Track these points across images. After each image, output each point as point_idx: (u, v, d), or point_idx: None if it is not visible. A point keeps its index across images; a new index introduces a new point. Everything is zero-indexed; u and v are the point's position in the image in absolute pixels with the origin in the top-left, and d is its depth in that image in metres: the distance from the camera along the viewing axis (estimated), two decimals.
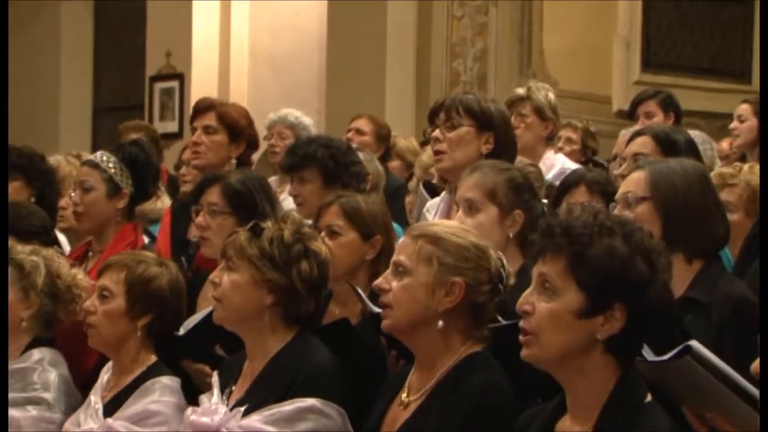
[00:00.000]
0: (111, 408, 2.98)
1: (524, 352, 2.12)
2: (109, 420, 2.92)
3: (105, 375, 3.10)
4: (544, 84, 5.08)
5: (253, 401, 2.68)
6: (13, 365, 3.16)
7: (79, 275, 3.32)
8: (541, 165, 4.48)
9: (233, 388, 2.78)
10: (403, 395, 2.52)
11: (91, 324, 3.05)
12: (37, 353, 3.19)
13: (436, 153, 3.36)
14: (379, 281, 2.54)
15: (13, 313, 3.19)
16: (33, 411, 3.08)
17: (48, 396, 3.11)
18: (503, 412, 2.37)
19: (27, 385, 3.12)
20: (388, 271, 2.54)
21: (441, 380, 2.46)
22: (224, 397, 2.75)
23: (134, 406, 2.94)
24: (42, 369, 3.15)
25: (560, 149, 5.55)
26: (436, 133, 3.36)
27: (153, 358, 3.07)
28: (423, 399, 2.47)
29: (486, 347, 2.51)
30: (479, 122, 3.31)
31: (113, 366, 3.09)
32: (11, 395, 3.10)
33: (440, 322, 2.47)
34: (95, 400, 3.01)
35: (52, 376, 3.15)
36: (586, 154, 5.80)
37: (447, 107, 3.34)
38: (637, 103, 5.43)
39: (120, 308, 3.03)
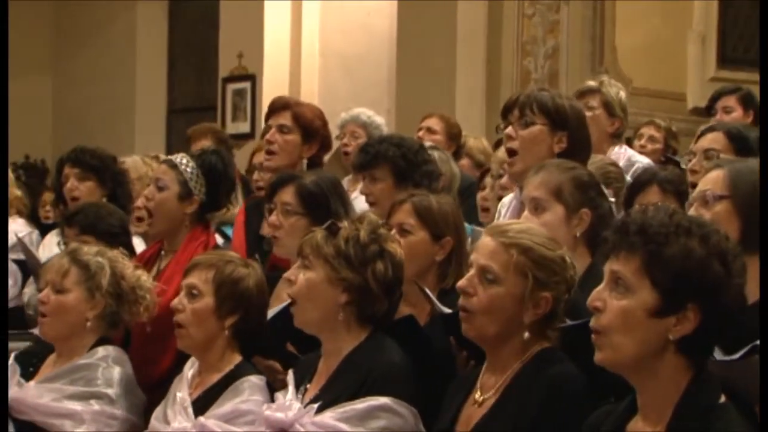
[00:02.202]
0: (199, 406, 3.01)
1: (598, 356, 2.10)
2: (202, 419, 2.95)
3: (189, 371, 3.13)
4: (617, 82, 5.02)
5: (326, 399, 2.71)
6: (78, 361, 3.23)
7: (143, 277, 3.37)
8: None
9: (308, 385, 2.81)
10: (477, 395, 2.51)
11: (180, 323, 3.08)
12: (102, 350, 3.25)
13: (509, 151, 3.32)
14: (463, 284, 2.52)
15: (79, 313, 3.25)
16: (95, 405, 3.14)
17: (110, 392, 3.16)
18: (579, 402, 2.36)
19: (90, 380, 3.18)
20: (472, 273, 2.52)
21: (515, 377, 2.47)
22: (299, 395, 2.78)
23: (225, 405, 2.96)
24: (106, 365, 3.21)
25: (642, 147, 5.49)
26: (509, 130, 3.31)
27: (238, 358, 3.10)
28: (498, 396, 2.47)
29: (555, 345, 2.51)
30: (553, 121, 3.26)
31: (200, 363, 3.13)
32: (75, 389, 3.16)
33: (526, 334, 2.48)
34: (182, 397, 3.04)
35: (116, 373, 3.20)
36: (666, 154, 5.71)
37: (521, 104, 3.29)
38: (716, 97, 5.34)
39: (209, 307, 3.06)
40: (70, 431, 3.10)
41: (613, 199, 3.09)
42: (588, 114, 4.43)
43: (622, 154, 4.74)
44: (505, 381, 2.47)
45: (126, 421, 3.16)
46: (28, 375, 3.27)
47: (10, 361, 3.32)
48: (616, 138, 4.77)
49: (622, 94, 4.76)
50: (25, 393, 3.17)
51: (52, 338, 3.31)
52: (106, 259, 3.31)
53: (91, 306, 3.26)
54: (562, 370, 2.42)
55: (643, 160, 4.80)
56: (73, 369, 3.21)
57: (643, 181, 3.76)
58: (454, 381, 2.67)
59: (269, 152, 4.04)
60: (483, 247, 2.53)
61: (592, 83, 4.75)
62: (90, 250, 3.34)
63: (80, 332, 3.26)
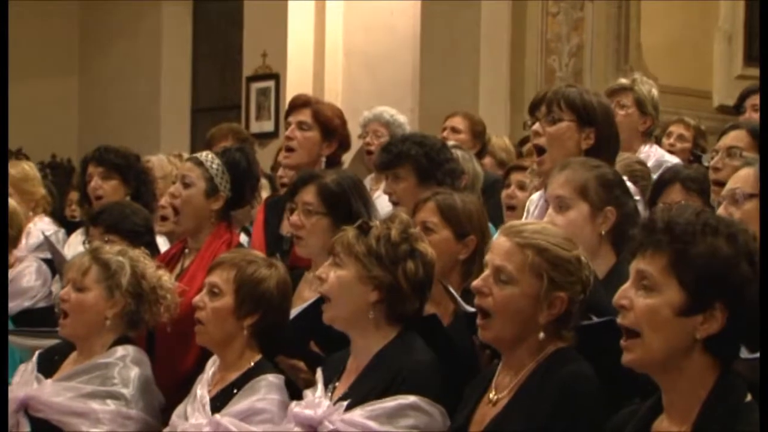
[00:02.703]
0: (217, 403, 3.02)
1: (626, 357, 2.09)
2: (217, 416, 2.97)
3: (210, 369, 3.15)
4: (649, 80, 4.99)
5: (355, 396, 2.71)
6: (96, 360, 3.24)
7: (165, 277, 3.38)
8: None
9: (337, 383, 2.81)
10: (491, 394, 2.51)
11: (200, 320, 3.10)
12: (121, 350, 3.26)
13: (536, 147, 3.31)
14: (478, 284, 2.51)
15: (98, 312, 3.27)
16: (111, 405, 3.15)
17: (126, 392, 3.17)
18: (591, 402, 2.36)
19: (107, 379, 3.19)
20: (487, 273, 2.51)
21: (529, 376, 2.46)
22: (328, 392, 2.79)
23: (241, 403, 2.98)
24: (123, 365, 3.22)
25: (671, 145, 5.45)
26: (536, 127, 3.28)
27: (258, 356, 3.10)
28: (512, 395, 2.46)
29: (571, 345, 2.49)
30: (580, 117, 3.23)
31: (220, 361, 3.14)
32: (91, 388, 3.17)
33: (541, 334, 2.47)
34: (202, 394, 3.06)
35: (133, 373, 3.21)
36: (695, 153, 5.67)
37: (548, 100, 3.26)
38: (745, 95, 5.29)
39: (228, 306, 3.07)
40: (85, 431, 3.11)
41: (638, 197, 3.07)
42: (620, 112, 4.42)
43: (652, 153, 4.72)
44: (519, 381, 2.47)
45: (142, 421, 3.17)
46: (50, 373, 3.28)
47: (33, 358, 3.33)
48: (647, 136, 4.74)
49: (654, 91, 4.73)
50: (41, 391, 3.19)
51: (71, 336, 3.32)
52: (127, 259, 3.32)
53: (110, 305, 3.27)
54: (575, 369, 2.41)
55: (673, 160, 4.77)
56: (90, 368, 3.22)
57: (666, 179, 3.73)
58: (472, 381, 2.66)
59: (288, 149, 4.06)
60: (498, 247, 2.52)
61: (624, 81, 4.73)
62: (111, 249, 3.36)
63: (99, 331, 3.27)
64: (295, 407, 2.78)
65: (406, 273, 2.75)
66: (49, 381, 3.22)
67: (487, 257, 2.54)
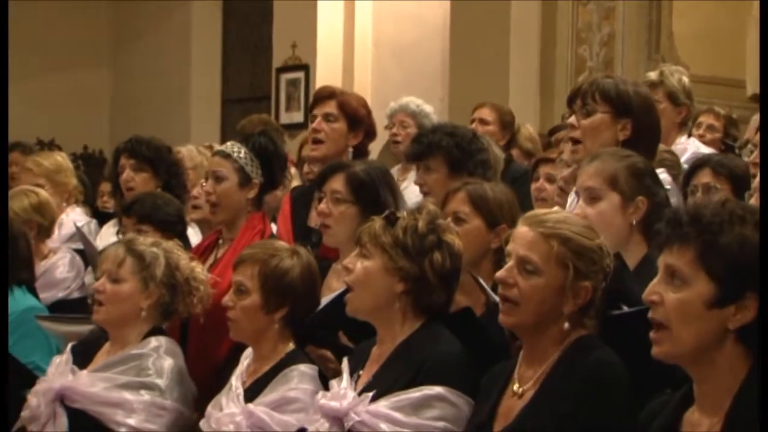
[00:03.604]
0: (251, 393, 3.05)
1: (656, 350, 2.08)
2: (250, 406, 2.99)
3: (245, 360, 3.17)
4: (677, 67, 4.94)
5: (379, 387, 2.71)
6: (130, 350, 3.27)
7: (198, 268, 3.40)
8: (673, 150, 4.36)
9: (361, 373, 2.82)
10: (515, 386, 2.50)
11: (231, 318, 3.13)
12: (154, 341, 3.28)
13: (572, 141, 3.29)
14: (503, 274, 2.51)
15: (133, 303, 3.30)
16: (146, 395, 3.17)
17: (160, 382, 3.19)
18: (619, 387, 2.35)
19: (141, 370, 3.22)
20: (511, 264, 2.50)
21: (554, 366, 2.45)
22: (353, 382, 2.79)
23: (273, 392, 3.00)
24: (157, 356, 3.24)
25: (701, 136, 5.39)
26: (572, 119, 3.27)
27: (291, 346, 3.12)
28: (538, 386, 2.45)
29: (592, 333, 2.49)
30: (616, 108, 3.20)
31: (254, 352, 3.16)
32: (126, 378, 3.20)
33: (566, 324, 2.46)
34: (236, 384, 3.08)
35: (167, 363, 3.23)
36: (726, 142, 5.61)
37: (583, 92, 3.24)
38: None
39: (256, 303, 3.09)
40: (120, 420, 3.14)
41: (669, 187, 3.05)
42: None
43: (689, 145, 4.68)
44: (544, 371, 2.46)
45: (175, 411, 3.19)
46: (83, 364, 3.32)
47: (67, 349, 3.37)
48: (683, 126, 4.70)
49: (685, 79, 4.68)
50: (77, 381, 3.22)
51: (105, 322, 3.35)
52: (161, 250, 3.34)
53: (145, 296, 3.30)
54: (601, 356, 2.40)
55: (707, 151, 4.72)
56: (125, 359, 3.25)
57: (697, 164, 3.73)
58: (488, 373, 2.65)
59: (316, 141, 4.07)
60: (521, 237, 2.50)
61: (652, 76, 4.68)
62: (146, 241, 3.38)
63: (134, 321, 3.30)
64: (321, 399, 2.78)
65: (433, 264, 2.75)
66: (84, 372, 3.26)
67: (510, 247, 2.53)
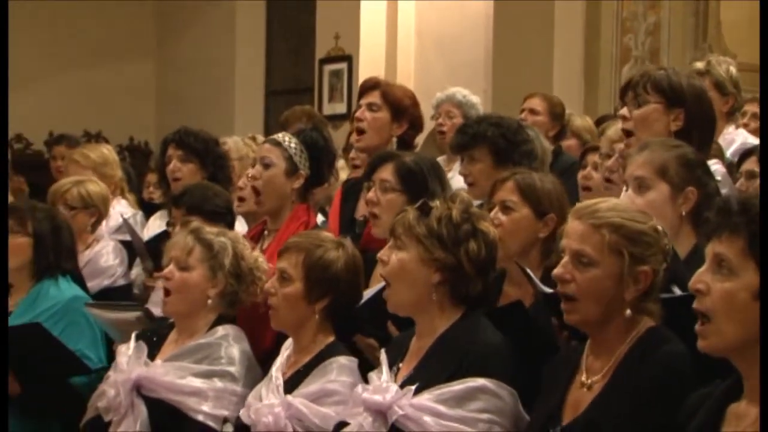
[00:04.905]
0: (290, 385, 3.06)
1: (701, 343, 2.05)
2: (289, 397, 3.00)
3: (285, 352, 3.18)
4: (725, 57, 4.87)
5: (421, 380, 2.70)
6: (199, 340, 3.30)
7: (260, 258, 3.42)
8: (721, 141, 4.32)
9: (400, 365, 2.81)
10: (583, 377, 2.48)
11: (272, 305, 3.14)
12: (221, 330, 3.32)
13: (625, 132, 3.27)
14: (559, 271, 2.48)
15: (202, 291, 3.32)
16: (218, 383, 3.21)
17: (233, 369, 3.23)
18: (690, 381, 2.31)
19: (213, 359, 3.25)
20: (566, 259, 2.48)
21: (624, 358, 2.43)
22: (392, 374, 2.78)
23: (313, 384, 3.01)
24: (227, 344, 3.27)
25: (746, 125, 5.32)
26: (624, 110, 3.26)
27: (331, 338, 3.13)
28: (609, 378, 2.43)
29: (658, 320, 2.46)
30: (668, 99, 3.18)
31: (294, 344, 3.18)
32: (199, 367, 3.24)
33: (628, 311, 2.44)
34: (276, 376, 3.10)
35: (236, 351, 3.27)
36: None
37: (635, 84, 3.24)
38: None
39: (298, 292, 3.10)
40: (196, 407, 3.17)
41: (720, 178, 3.02)
42: None
43: (737, 135, 4.62)
44: (614, 363, 2.43)
45: (247, 397, 3.21)
46: (150, 354, 3.34)
47: (132, 339, 3.39)
48: (730, 115, 4.64)
49: (732, 69, 4.62)
50: (154, 371, 3.26)
51: (174, 313, 3.39)
52: (228, 239, 3.37)
53: (212, 284, 3.33)
54: (672, 349, 2.37)
55: (755, 142, 4.66)
56: (196, 348, 3.28)
57: (745, 153, 3.76)
58: (551, 362, 2.63)
59: (359, 131, 4.08)
60: (573, 231, 2.48)
61: (699, 66, 4.63)
62: (212, 230, 3.41)
63: (201, 310, 3.33)
64: (363, 392, 2.77)
65: (469, 253, 2.73)
66: (158, 361, 3.30)
67: (563, 243, 2.51)
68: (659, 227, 2.48)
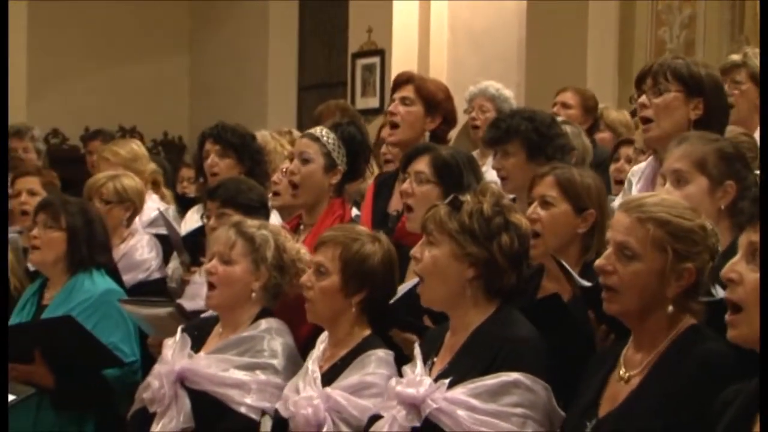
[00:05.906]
0: (327, 378, 3.07)
1: (731, 333, 2.04)
2: (328, 389, 3.01)
3: (321, 345, 3.19)
4: None
5: (455, 374, 2.70)
6: (243, 333, 3.32)
7: (302, 250, 3.44)
8: (756, 135, 4.26)
9: (435, 359, 2.81)
10: (621, 371, 2.47)
11: (308, 299, 3.15)
12: (264, 323, 3.34)
13: (643, 120, 3.25)
14: (601, 263, 2.47)
15: (245, 284, 3.35)
16: (261, 375, 3.23)
17: (276, 362, 3.25)
18: (728, 380, 2.27)
19: (256, 351, 3.27)
20: (610, 251, 2.47)
21: (664, 354, 2.42)
22: (426, 369, 2.78)
23: (351, 377, 3.02)
24: (270, 337, 3.30)
25: None
26: (643, 99, 3.25)
27: (367, 332, 3.14)
28: (647, 372, 2.42)
29: (701, 319, 2.44)
30: (688, 87, 3.18)
31: (329, 337, 3.19)
32: (242, 360, 3.26)
33: (670, 308, 2.42)
34: (313, 369, 3.11)
35: (279, 344, 3.29)
36: None
37: (654, 72, 3.23)
38: None
39: (335, 285, 3.11)
40: (239, 400, 3.20)
41: (757, 171, 2.98)
42: (735, 90, 4.30)
43: None
44: (654, 358, 2.42)
45: None
46: (195, 347, 3.37)
47: (179, 333, 3.41)
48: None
49: None
50: (197, 363, 3.28)
51: (218, 307, 3.41)
52: (269, 232, 3.39)
53: (256, 277, 3.35)
54: (714, 347, 2.36)
55: None
56: (239, 341, 3.30)
57: None
58: (593, 357, 2.62)
59: (392, 125, 4.08)
60: (618, 224, 2.47)
61: (735, 57, 4.59)
62: (254, 223, 3.43)
63: (245, 303, 3.36)
64: (397, 386, 2.77)
65: (502, 247, 2.72)
66: (202, 354, 3.32)
67: (609, 235, 2.50)
68: (708, 225, 2.46)
